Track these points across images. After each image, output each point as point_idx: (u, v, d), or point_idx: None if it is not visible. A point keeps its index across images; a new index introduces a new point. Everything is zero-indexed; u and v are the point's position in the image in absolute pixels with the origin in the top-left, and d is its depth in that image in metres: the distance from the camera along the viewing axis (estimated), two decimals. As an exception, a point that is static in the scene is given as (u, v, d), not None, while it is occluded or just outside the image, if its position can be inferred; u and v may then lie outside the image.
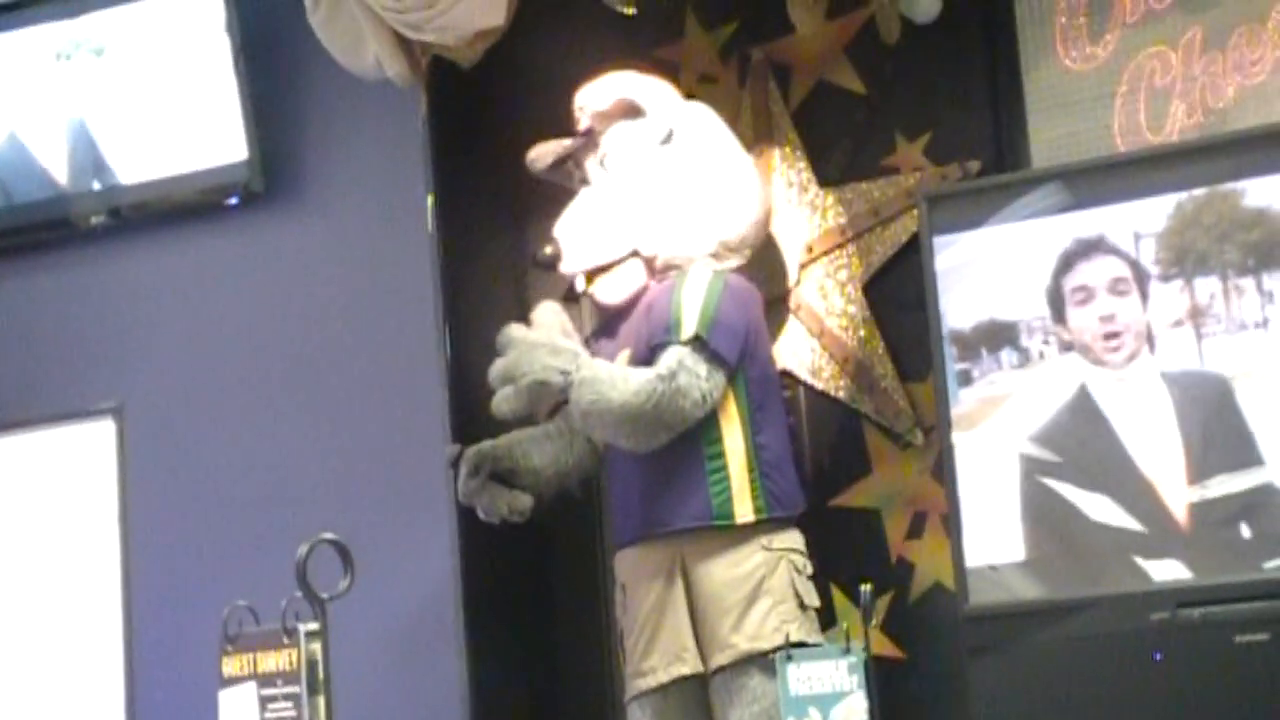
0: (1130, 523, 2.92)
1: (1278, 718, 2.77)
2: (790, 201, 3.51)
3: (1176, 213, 2.94)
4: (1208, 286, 2.90)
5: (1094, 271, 2.96)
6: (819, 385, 3.48)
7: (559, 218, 3.29)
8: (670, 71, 3.48)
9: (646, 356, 3.12)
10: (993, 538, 3.02)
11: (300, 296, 3.92)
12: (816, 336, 3.47)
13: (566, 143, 3.31)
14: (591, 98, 3.28)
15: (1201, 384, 2.89)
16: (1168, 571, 2.90)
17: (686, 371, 3.06)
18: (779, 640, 3.07)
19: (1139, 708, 2.86)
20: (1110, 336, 2.96)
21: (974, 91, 3.40)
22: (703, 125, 3.27)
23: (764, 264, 3.38)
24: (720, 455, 3.12)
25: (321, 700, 2.79)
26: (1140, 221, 2.96)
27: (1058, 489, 2.98)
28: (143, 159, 4.01)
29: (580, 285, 3.30)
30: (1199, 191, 2.92)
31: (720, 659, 3.10)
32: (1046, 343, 3.00)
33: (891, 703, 2.80)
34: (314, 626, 2.78)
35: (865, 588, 2.80)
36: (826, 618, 3.25)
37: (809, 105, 3.53)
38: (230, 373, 3.95)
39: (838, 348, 3.46)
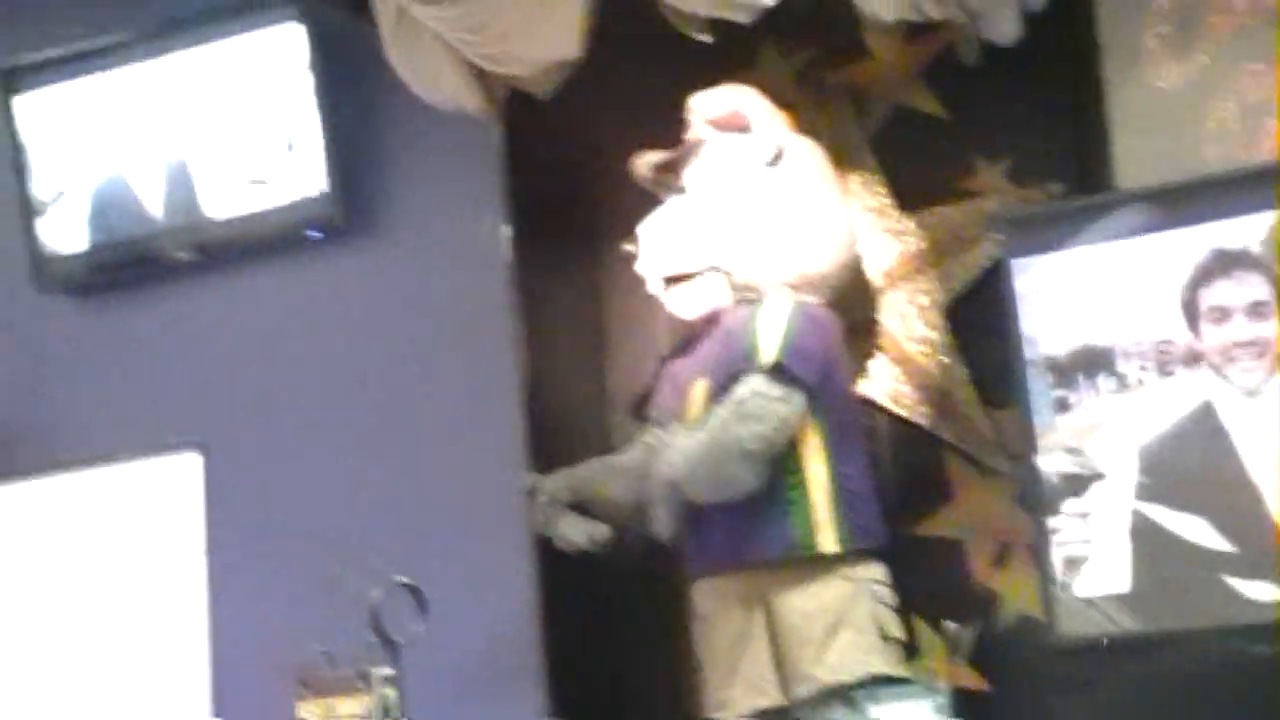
0: (1235, 549, 2.85)
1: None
2: (868, 226, 3.48)
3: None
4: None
5: (1233, 290, 2.89)
6: (900, 412, 3.44)
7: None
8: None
9: (725, 385, 3.10)
10: (1083, 567, 2.96)
11: (379, 328, 3.93)
12: (897, 363, 3.43)
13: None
14: (707, 104, 3.28)
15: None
16: (1271, 597, 2.80)
17: (759, 397, 3.04)
18: (861, 672, 3.04)
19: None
20: (1250, 355, 2.88)
21: (1055, 112, 3.35)
22: (809, 157, 3.26)
23: (846, 291, 3.34)
24: (801, 485, 3.09)
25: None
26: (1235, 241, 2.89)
27: (1156, 515, 2.92)
28: (228, 194, 4.05)
29: (653, 288, 3.27)
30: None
31: (801, 691, 3.07)
32: (1144, 368, 2.94)
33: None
34: (389, 671, 2.76)
35: (949, 624, 2.74)
36: (909, 650, 3.20)
37: (887, 130, 3.51)
38: (309, 406, 3.96)
39: (918, 374, 3.41)
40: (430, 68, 3.56)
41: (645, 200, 3.36)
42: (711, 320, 3.25)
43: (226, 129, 4.03)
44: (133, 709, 4.06)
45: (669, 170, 3.32)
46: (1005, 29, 3.21)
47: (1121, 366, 2.97)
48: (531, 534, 3.33)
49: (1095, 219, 3.02)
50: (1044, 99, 3.36)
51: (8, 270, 4.25)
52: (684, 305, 3.26)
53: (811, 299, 3.19)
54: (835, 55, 3.52)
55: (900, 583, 3.17)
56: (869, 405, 3.42)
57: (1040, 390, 3.03)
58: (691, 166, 3.29)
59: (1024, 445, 3.09)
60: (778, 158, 3.23)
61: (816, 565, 3.10)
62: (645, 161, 3.32)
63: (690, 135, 3.29)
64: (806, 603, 3.09)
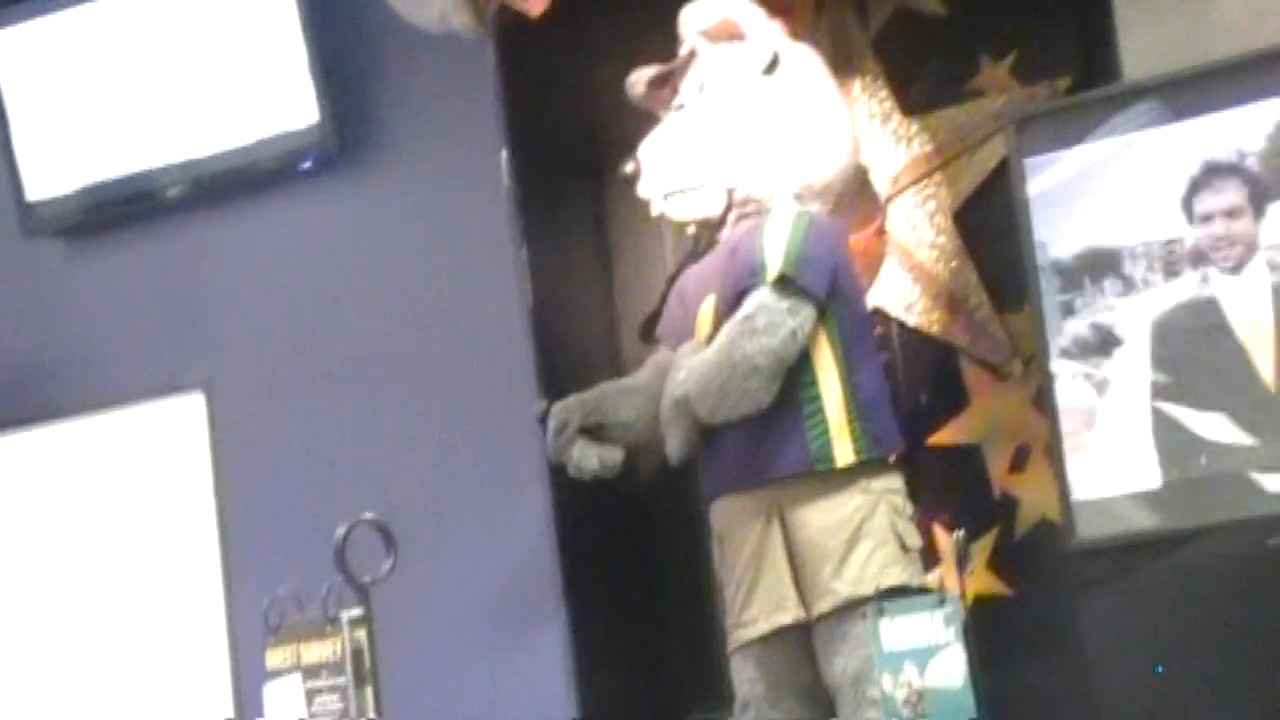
0: (1248, 439, 2.83)
1: None
2: (873, 132, 3.42)
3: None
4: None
5: (1214, 198, 2.87)
6: (911, 320, 3.39)
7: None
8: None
9: (734, 301, 3.06)
10: (1101, 468, 2.93)
11: (379, 260, 3.90)
12: (907, 270, 3.38)
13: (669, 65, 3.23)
14: (697, 15, 3.21)
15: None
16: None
17: (767, 311, 2.99)
18: (882, 584, 3.00)
19: (1260, 639, 2.76)
20: (1222, 247, 2.87)
21: (1059, 6, 3.28)
22: (805, 63, 3.19)
23: (852, 199, 3.27)
24: (817, 398, 3.04)
25: (369, 691, 2.70)
26: (1248, 131, 2.84)
27: (1170, 411, 2.90)
28: (218, 128, 3.99)
29: (656, 209, 3.22)
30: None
31: (822, 606, 3.04)
32: (1151, 269, 2.90)
33: (999, 641, 2.73)
34: (358, 613, 2.70)
35: (957, 534, 2.72)
36: (929, 558, 3.18)
37: (888, 31, 3.44)
38: (311, 341, 3.93)
39: (929, 280, 3.37)
40: (416, -13, 3.49)
41: (645, 120, 3.29)
42: (717, 236, 3.21)
43: (212, 60, 3.96)
44: (147, 657, 4.06)
45: (664, 86, 3.25)
46: (1005, -79, 3.14)
47: (1129, 268, 2.93)
48: (545, 464, 3.29)
49: (1107, 114, 2.96)
50: (1047, -9, 3.29)
51: (-6, 216, 4.20)
52: (681, 210, 3.20)
53: (816, 207, 3.13)
54: (836, -45, 3.45)
55: (919, 491, 3.14)
56: (879, 314, 3.37)
57: (1049, 293, 2.99)
58: (686, 80, 3.22)
59: (1038, 348, 3.05)
60: (774, 65, 3.16)
61: (833, 478, 3.06)
62: (639, 79, 3.26)
63: (683, 49, 3.23)
64: (824, 517, 3.06)
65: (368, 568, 2.72)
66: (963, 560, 2.70)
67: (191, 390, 4.06)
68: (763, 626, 3.08)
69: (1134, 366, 2.94)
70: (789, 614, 3.06)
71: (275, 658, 2.78)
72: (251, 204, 4.03)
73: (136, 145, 4.08)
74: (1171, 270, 2.90)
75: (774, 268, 3.02)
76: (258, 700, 2.90)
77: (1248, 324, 2.86)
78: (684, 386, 3.03)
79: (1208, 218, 2.90)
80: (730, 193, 3.17)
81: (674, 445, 3.07)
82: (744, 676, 3.11)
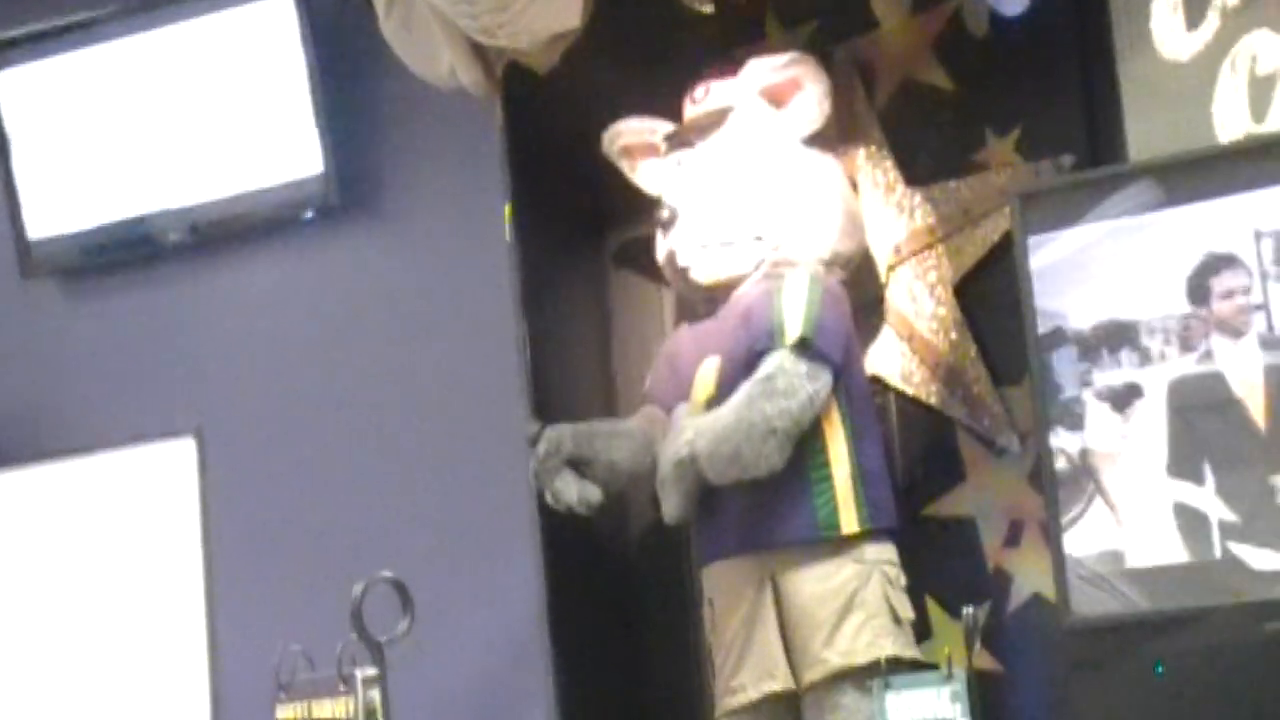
0: (1246, 521, 2.80)
1: (1405, 734, 2.64)
2: (877, 202, 3.42)
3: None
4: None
5: (1215, 280, 2.88)
6: (910, 391, 3.38)
7: (645, 223, 3.28)
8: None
9: (745, 363, 3.06)
10: (1097, 546, 2.92)
11: (378, 310, 3.89)
12: (906, 340, 3.38)
13: (700, 110, 3.24)
14: (763, 71, 3.23)
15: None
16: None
17: (785, 374, 2.99)
18: (873, 655, 3.01)
19: (1254, 724, 2.74)
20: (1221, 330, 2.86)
21: (1066, 84, 3.29)
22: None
23: (859, 268, 3.33)
24: (825, 465, 3.05)
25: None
26: (1250, 217, 2.84)
27: (1168, 491, 2.87)
28: (220, 175, 3.99)
29: (685, 259, 3.20)
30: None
31: (812, 675, 3.04)
32: (1153, 346, 2.90)
33: (991, 718, 2.70)
34: (372, 672, 2.67)
35: (968, 610, 2.70)
36: (921, 630, 3.17)
37: (895, 103, 3.44)
38: (305, 392, 3.92)
39: (928, 352, 3.36)
40: (426, 42, 3.49)
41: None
42: (722, 299, 3.20)
43: (217, 107, 3.96)
44: (129, 700, 4.01)
45: (680, 134, 3.26)
46: (1013, -1, 3.17)
47: (1130, 344, 2.92)
48: (539, 521, 3.27)
49: (1110, 193, 2.97)
50: (1053, 70, 3.30)
51: (-6, 256, 4.19)
52: (713, 266, 3.19)
53: (837, 276, 3.17)
54: (842, 27, 3.46)
55: (912, 563, 3.14)
56: (878, 384, 3.37)
57: (1049, 368, 2.98)
58: (718, 135, 3.22)
59: (1036, 423, 3.05)
60: (815, 135, 3.22)
61: (827, 547, 3.06)
62: (641, 131, 3.28)
63: (708, 102, 3.24)
64: (817, 586, 3.06)
65: (382, 626, 2.69)
66: (971, 636, 2.68)
67: (183, 436, 4.03)
68: (751, 694, 3.07)
69: (1132, 445, 2.92)
70: (778, 682, 3.05)
71: (285, 714, 2.75)
72: (251, 252, 4.02)
73: (138, 190, 4.08)
74: (1173, 349, 2.89)
75: (794, 331, 3.02)
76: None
77: (1245, 405, 2.86)
78: (691, 446, 3.00)
79: (1208, 297, 2.90)
80: (764, 253, 3.17)
81: (673, 506, 3.05)
82: (732, 743, 3.09)
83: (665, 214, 3.19)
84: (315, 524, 3.82)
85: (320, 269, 3.96)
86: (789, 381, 2.97)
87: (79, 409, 4.15)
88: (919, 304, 3.39)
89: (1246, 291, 2.85)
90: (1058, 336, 3.00)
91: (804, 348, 3.01)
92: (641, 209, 3.35)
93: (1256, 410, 2.84)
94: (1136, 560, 2.90)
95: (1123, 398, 2.94)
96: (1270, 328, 2.83)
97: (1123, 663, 2.86)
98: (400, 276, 3.87)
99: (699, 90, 3.29)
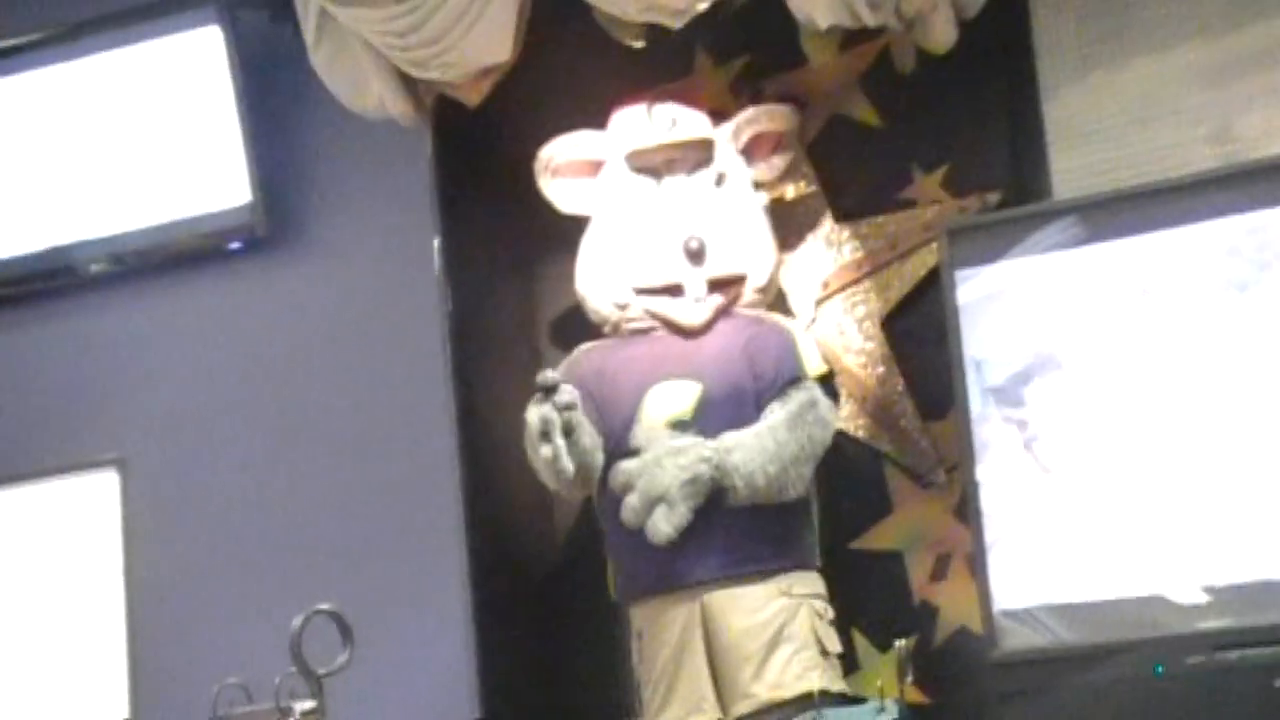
0: (1169, 556, 2.84)
1: (1323, 764, 2.68)
2: (806, 237, 3.45)
3: (1209, 242, 2.86)
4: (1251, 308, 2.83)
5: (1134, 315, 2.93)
6: (838, 424, 3.39)
7: (577, 257, 3.30)
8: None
9: (739, 395, 3.11)
10: (1023, 579, 2.94)
11: (305, 342, 3.86)
12: (834, 374, 3.39)
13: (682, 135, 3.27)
14: (768, 116, 3.32)
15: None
16: (1207, 612, 2.81)
17: (823, 405, 3.15)
18: (802, 688, 3.02)
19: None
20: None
21: (992, 122, 3.34)
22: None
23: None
24: (809, 495, 3.15)
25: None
26: (1171, 252, 2.88)
27: (1094, 525, 2.90)
28: (144, 204, 3.95)
29: (700, 293, 3.22)
30: (1224, 220, 2.85)
31: (741, 709, 3.05)
32: (1077, 380, 2.94)
33: (919, 750, 2.72)
34: (310, 705, 2.65)
35: (900, 643, 2.71)
36: (849, 663, 3.18)
37: (823, 138, 3.47)
38: (231, 424, 3.88)
39: (856, 385, 3.38)
40: (356, 74, 3.49)
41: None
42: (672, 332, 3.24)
43: (144, 136, 3.92)
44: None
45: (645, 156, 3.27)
46: (940, 37, 3.20)
47: (1054, 378, 2.96)
48: (466, 558, 3.26)
49: (1035, 229, 3.00)
50: (980, 108, 3.34)
51: (-87, 283, 4.12)
52: (697, 314, 3.23)
53: None
54: (771, 63, 3.48)
55: (839, 596, 3.16)
56: (806, 417, 3.39)
57: (979, 401, 3.01)
58: (709, 171, 3.27)
59: (962, 456, 3.07)
60: (766, 186, 3.34)
61: (754, 581, 3.07)
62: (601, 148, 3.29)
63: (692, 132, 3.27)
64: (745, 619, 3.07)
65: (317, 658, 2.66)
66: (903, 669, 2.69)
67: (105, 468, 3.98)
68: (681, 728, 3.06)
69: (1056, 479, 2.95)
70: (707, 715, 3.07)
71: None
72: (176, 282, 3.98)
73: (60, 219, 4.02)
74: (1098, 383, 2.93)
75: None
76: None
77: (1167, 439, 2.89)
78: (710, 465, 3.03)
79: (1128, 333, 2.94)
80: (743, 288, 3.25)
81: (680, 521, 3.05)
82: (659, 777, 3.09)
83: (694, 245, 3.19)
84: (244, 556, 3.78)
85: (247, 300, 3.92)
86: (825, 413, 3.14)
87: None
88: (847, 338, 3.41)
89: (1165, 327, 2.90)
90: (984, 370, 3.03)
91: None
92: (570, 242, 3.35)
93: (1178, 446, 2.88)
94: (1061, 594, 2.93)
95: (1047, 431, 2.97)
96: (1189, 366, 2.87)
97: (1048, 695, 2.88)
98: (328, 307, 3.84)
99: (661, 115, 3.30)
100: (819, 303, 3.44)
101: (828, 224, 3.44)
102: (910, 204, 3.39)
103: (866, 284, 3.40)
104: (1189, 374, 2.88)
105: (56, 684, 3.97)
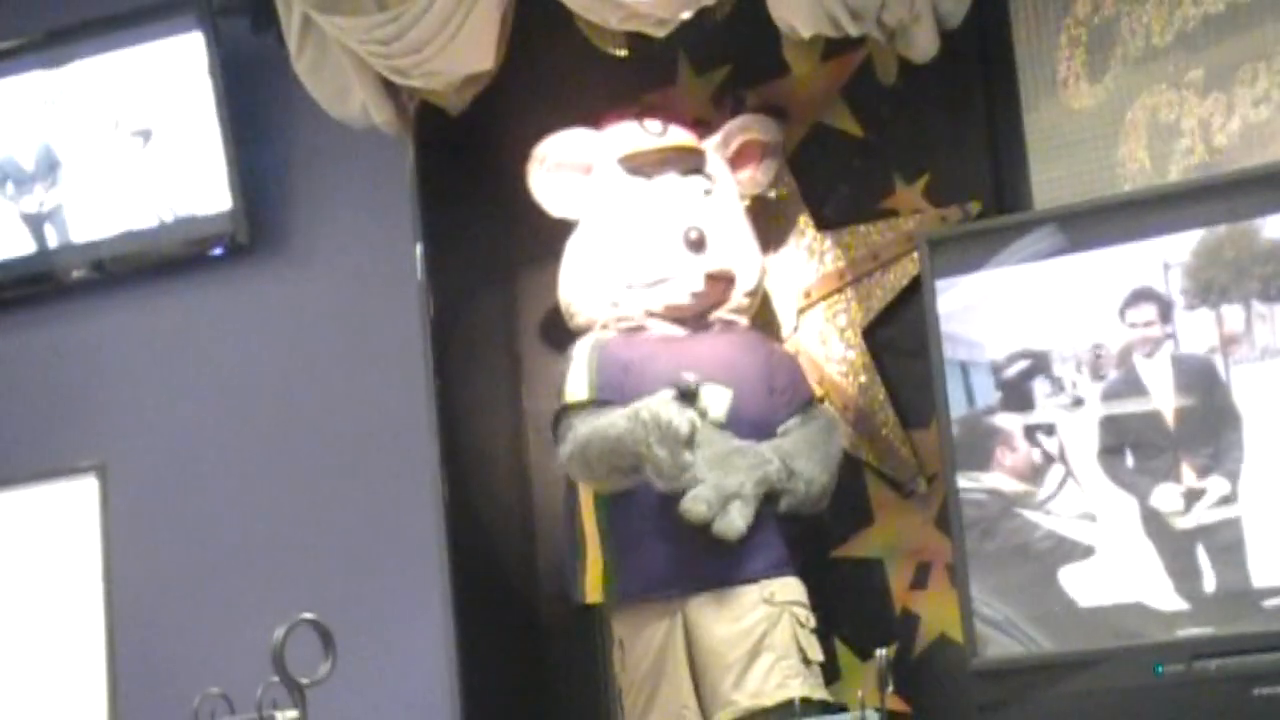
0: (1150, 566, 2.86)
1: (1300, 773, 2.69)
2: (788, 246, 3.45)
3: (1195, 249, 2.88)
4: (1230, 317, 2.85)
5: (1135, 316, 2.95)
6: (819, 432, 3.41)
7: (560, 264, 3.30)
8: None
9: (759, 405, 3.16)
10: (1004, 588, 2.95)
11: (287, 349, 3.85)
12: (816, 383, 3.40)
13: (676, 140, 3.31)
14: (759, 126, 3.35)
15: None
16: (1186, 621, 2.82)
17: (839, 425, 3.30)
18: (783, 696, 3.03)
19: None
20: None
21: (972, 132, 3.35)
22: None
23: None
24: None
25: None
26: (1149, 263, 2.90)
27: (1073, 535, 2.92)
28: (126, 211, 3.94)
29: (698, 285, 3.23)
30: (1205, 231, 2.87)
31: (722, 717, 3.05)
32: (1058, 392, 2.95)
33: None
34: (292, 715, 2.65)
35: (882, 652, 2.72)
36: (830, 671, 3.19)
37: (805, 148, 3.48)
38: (211, 431, 3.86)
39: (837, 394, 3.39)
40: (338, 81, 3.48)
41: (562, 219, 3.32)
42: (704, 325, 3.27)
43: (125, 142, 3.91)
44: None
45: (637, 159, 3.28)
46: (922, 47, 3.21)
47: (1036, 389, 2.97)
48: (446, 566, 3.26)
49: (1015, 239, 3.02)
50: (961, 119, 3.35)
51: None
52: (709, 292, 3.24)
53: None
54: (753, 72, 3.49)
55: (820, 604, 3.17)
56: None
57: (960, 410, 3.02)
58: (693, 174, 3.29)
59: (943, 465, 3.08)
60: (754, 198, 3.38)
61: (736, 589, 3.08)
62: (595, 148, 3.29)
63: (682, 139, 3.30)
64: (727, 627, 3.08)
65: (299, 668, 2.66)
66: (884, 677, 2.70)
67: (85, 474, 3.96)
68: (661, 736, 3.07)
69: (1036, 489, 2.96)
70: (688, 725, 3.05)
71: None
72: (157, 289, 3.96)
73: (39, 224, 4.01)
74: (1079, 394, 2.94)
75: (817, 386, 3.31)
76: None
77: (1147, 450, 2.90)
78: (777, 468, 3.09)
79: (1111, 339, 2.95)
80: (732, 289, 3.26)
81: (748, 519, 3.06)
82: (640, 785, 3.09)
83: (694, 234, 3.22)
84: (225, 564, 3.77)
85: (228, 306, 3.91)
86: (840, 434, 3.26)
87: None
88: (829, 347, 3.42)
89: (1149, 334, 2.91)
90: (965, 379, 3.04)
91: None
92: (552, 249, 3.35)
93: (1155, 457, 2.89)
94: (1042, 603, 2.94)
95: (1028, 441, 2.98)
96: (1167, 374, 2.88)
97: (1029, 704, 2.89)
98: (310, 314, 3.83)
99: (651, 123, 3.32)
100: (801, 312, 3.45)
101: (809, 233, 3.45)
102: (892, 213, 3.39)
103: (848, 293, 3.41)
104: (1167, 382, 2.89)
105: (35, 693, 3.96)
